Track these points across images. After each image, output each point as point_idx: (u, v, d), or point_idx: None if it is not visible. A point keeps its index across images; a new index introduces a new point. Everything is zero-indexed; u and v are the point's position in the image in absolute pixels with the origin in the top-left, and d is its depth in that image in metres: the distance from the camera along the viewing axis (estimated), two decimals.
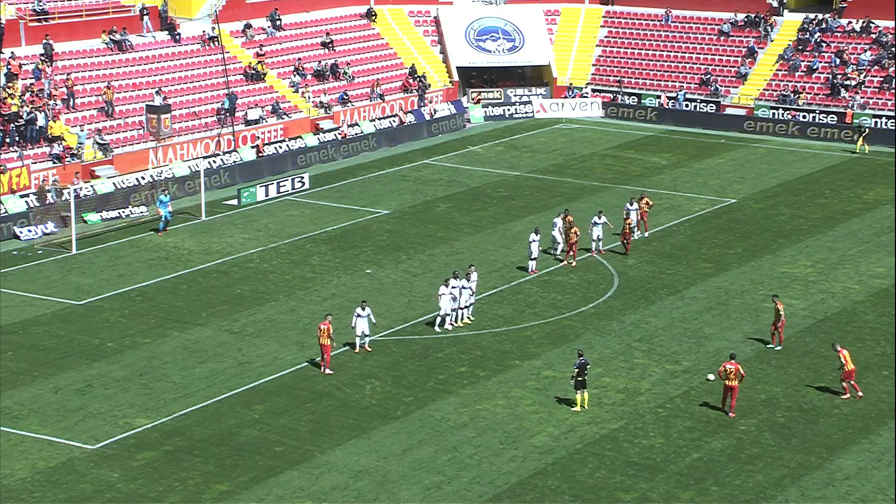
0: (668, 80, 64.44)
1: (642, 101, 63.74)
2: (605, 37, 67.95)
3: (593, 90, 65.24)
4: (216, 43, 57.53)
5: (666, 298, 37.34)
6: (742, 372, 29.08)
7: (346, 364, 32.05)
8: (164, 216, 42.68)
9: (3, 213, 43.54)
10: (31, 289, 37.38)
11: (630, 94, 64.34)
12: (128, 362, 31.98)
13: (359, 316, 32.26)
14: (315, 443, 27.74)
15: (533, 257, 38.86)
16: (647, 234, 42.96)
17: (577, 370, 29.41)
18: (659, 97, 63.29)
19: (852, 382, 30.17)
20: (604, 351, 33.23)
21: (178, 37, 57.37)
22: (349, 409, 29.44)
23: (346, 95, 59.46)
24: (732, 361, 29.07)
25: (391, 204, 47.65)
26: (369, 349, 32.61)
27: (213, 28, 57.93)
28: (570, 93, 65.05)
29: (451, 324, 34.66)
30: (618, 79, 65.33)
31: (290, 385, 30.78)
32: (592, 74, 66.21)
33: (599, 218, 41.01)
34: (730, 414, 29.12)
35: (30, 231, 42.63)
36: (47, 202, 44.58)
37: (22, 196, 44.73)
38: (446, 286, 34.05)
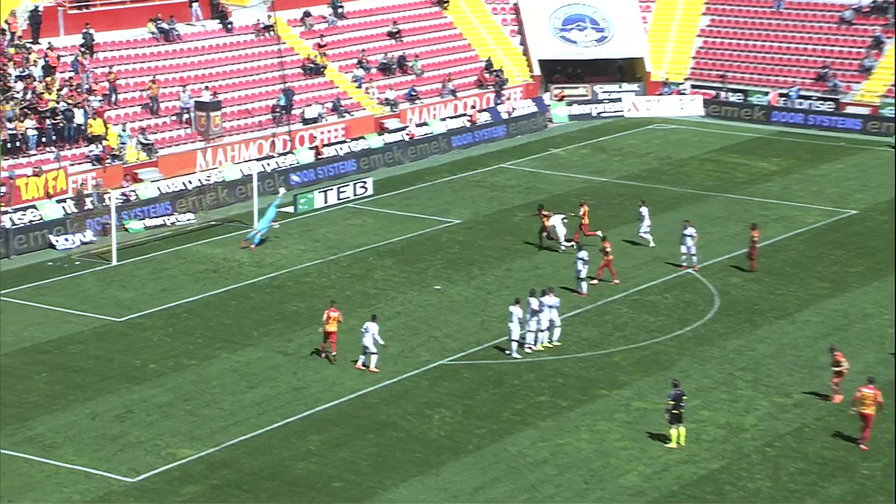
0: (779, 75, 63.73)
1: (749, 99, 63.12)
2: (708, 26, 67.44)
3: (693, 86, 64.75)
4: (272, 33, 58.29)
5: (775, 322, 36.90)
6: (880, 399, 28.70)
7: (411, 391, 32.19)
8: (264, 229, 42.90)
9: (38, 219, 44.51)
10: (68, 303, 38.14)
11: (735, 91, 63.76)
12: (171, 386, 32.46)
13: (366, 331, 32.83)
14: (377, 479, 27.88)
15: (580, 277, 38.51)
16: (571, 245, 42.78)
17: (671, 402, 29.19)
18: (768, 94, 62.62)
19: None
20: (703, 380, 32.92)
21: (229, 26, 58.24)
22: (415, 442, 29.54)
23: (415, 91, 59.83)
24: (870, 386, 28.76)
25: (463, 212, 47.76)
26: (362, 368, 32.91)
27: (269, 16, 58.70)
28: (667, 89, 64.65)
29: (530, 347, 34.62)
30: (721, 73, 64.78)
31: (349, 414, 30.99)
32: (692, 68, 65.75)
33: (686, 229, 40.80)
34: (861, 446, 28.68)
35: (66, 240, 43.48)
36: (86, 208, 45.47)
37: (59, 201, 45.66)
38: (517, 304, 33.98)
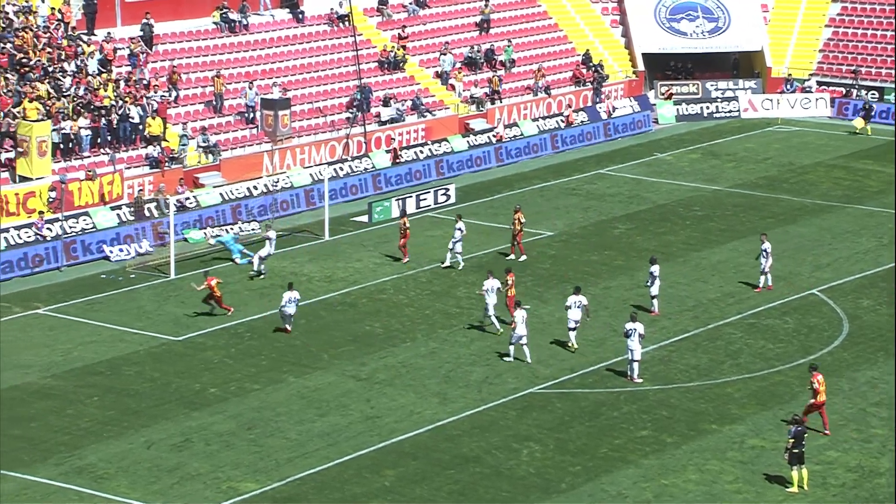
0: None
1: (885, 97, 62.18)
2: (838, 14, 66.66)
3: (819, 83, 64.00)
4: (346, 23, 58.86)
5: None
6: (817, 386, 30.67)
7: (497, 423, 32.25)
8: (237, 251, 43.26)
9: (91, 227, 45.42)
10: (122, 321, 38.80)
11: (869, 88, 62.85)
12: (233, 413, 32.88)
13: (290, 301, 37.00)
14: None
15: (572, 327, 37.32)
16: (523, 258, 43.08)
17: (792, 440, 28.87)
18: None
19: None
20: (829, 416, 32.49)
21: (300, 16, 58.96)
22: (501, 479, 29.58)
23: (501, 87, 59.90)
24: (816, 374, 30.82)
25: (557, 224, 47.73)
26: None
27: (343, 4, 59.31)
28: (789, 86, 63.99)
29: (633, 379, 34.51)
30: (853, 68, 63.95)
31: (428, 446, 31.13)
32: (819, 62, 65.02)
33: (763, 243, 40.30)
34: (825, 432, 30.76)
35: (121, 251, 44.29)
36: (146, 216, 46.29)
37: (113, 208, 46.55)
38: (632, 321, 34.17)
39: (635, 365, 34.42)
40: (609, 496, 28.83)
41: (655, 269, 38.58)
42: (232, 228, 45.33)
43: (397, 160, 54.13)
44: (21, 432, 31.50)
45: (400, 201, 48.35)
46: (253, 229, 46.49)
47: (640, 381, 34.33)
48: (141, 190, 47.60)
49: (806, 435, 29.08)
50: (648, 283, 38.72)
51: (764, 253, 40.29)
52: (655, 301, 38.71)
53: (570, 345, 36.30)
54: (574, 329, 36.17)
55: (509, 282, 37.72)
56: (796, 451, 28.84)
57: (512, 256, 43.53)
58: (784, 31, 66.41)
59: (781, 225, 47.28)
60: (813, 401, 31.22)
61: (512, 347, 35.40)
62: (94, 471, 29.75)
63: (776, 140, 59.43)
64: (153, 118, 49.79)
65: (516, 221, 43.46)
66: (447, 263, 42.59)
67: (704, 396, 33.70)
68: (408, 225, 43.64)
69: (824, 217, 48.35)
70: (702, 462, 30.30)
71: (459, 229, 42.43)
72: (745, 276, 42.13)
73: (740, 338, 37.41)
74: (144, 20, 53.53)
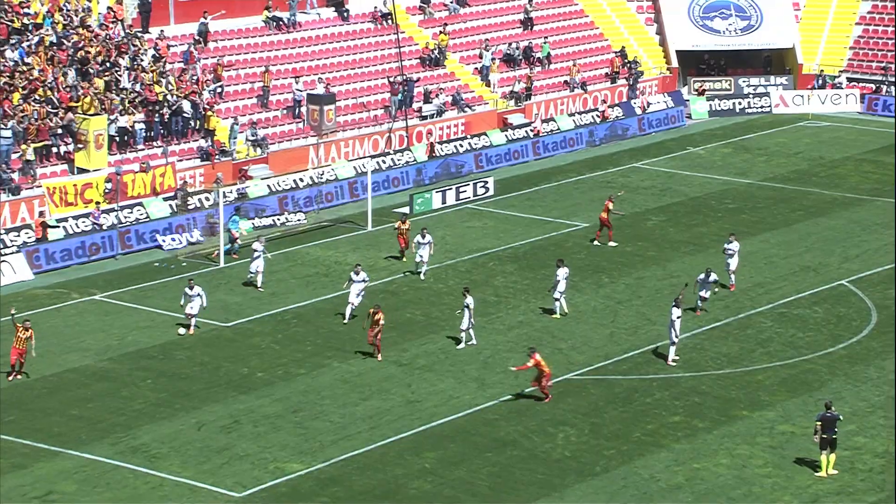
0: None
1: None
2: (869, 12, 66.15)
3: (849, 79, 63.56)
4: (390, 21, 59.01)
5: None
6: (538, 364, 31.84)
7: (533, 408, 32.34)
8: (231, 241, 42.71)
9: (145, 217, 45.86)
10: (174, 307, 39.00)
11: None
12: (280, 396, 33.15)
13: (192, 296, 36.23)
14: (496, 500, 28.07)
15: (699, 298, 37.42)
16: (613, 244, 43.49)
17: (822, 426, 28.80)
18: None
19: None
20: (858, 404, 32.40)
21: (345, 14, 59.16)
22: (538, 462, 29.70)
23: (533, 84, 59.85)
24: (535, 354, 32.05)
25: (592, 216, 47.69)
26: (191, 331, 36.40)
27: (386, 3, 59.44)
28: (820, 82, 63.58)
29: (673, 361, 34.54)
30: (883, 65, 63.45)
31: (467, 430, 31.27)
32: (849, 59, 64.57)
33: (730, 243, 39.91)
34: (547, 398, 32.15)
35: (173, 240, 44.68)
36: (190, 207, 46.67)
37: (166, 199, 46.97)
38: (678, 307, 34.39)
39: (672, 348, 34.42)
40: (642, 479, 28.88)
41: (713, 276, 38.12)
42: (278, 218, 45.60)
43: (433, 154, 54.28)
44: (79, 412, 31.93)
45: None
46: (299, 220, 46.78)
47: (677, 358, 34.25)
48: (184, 182, 47.92)
49: (838, 421, 28.95)
50: (702, 283, 37.84)
51: (728, 252, 39.82)
52: (700, 303, 38.09)
53: (556, 315, 37.48)
54: (558, 299, 37.58)
55: (380, 322, 34.35)
56: (826, 436, 28.75)
57: (597, 242, 43.85)
58: (815, 29, 66.00)
59: (812, 217, 47.05)
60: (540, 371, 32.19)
61: (463, 334, 35.63)
62: (148, 450, 30.10)
63: (807, 135, 59.12)
64: (211, 112, 50.12)
65: (606, 209, 43.59)
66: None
67: (735, 383, 33.67)
68: (406, 227, 42.20)
69: (854, 210, 48.08)
70: (732, 447, 30.29)
71: (364, 280, 37.60)
72: (775, 267, 42.00)
73: (770, 327, 37.32)
74: (202, 19, 53.82)
